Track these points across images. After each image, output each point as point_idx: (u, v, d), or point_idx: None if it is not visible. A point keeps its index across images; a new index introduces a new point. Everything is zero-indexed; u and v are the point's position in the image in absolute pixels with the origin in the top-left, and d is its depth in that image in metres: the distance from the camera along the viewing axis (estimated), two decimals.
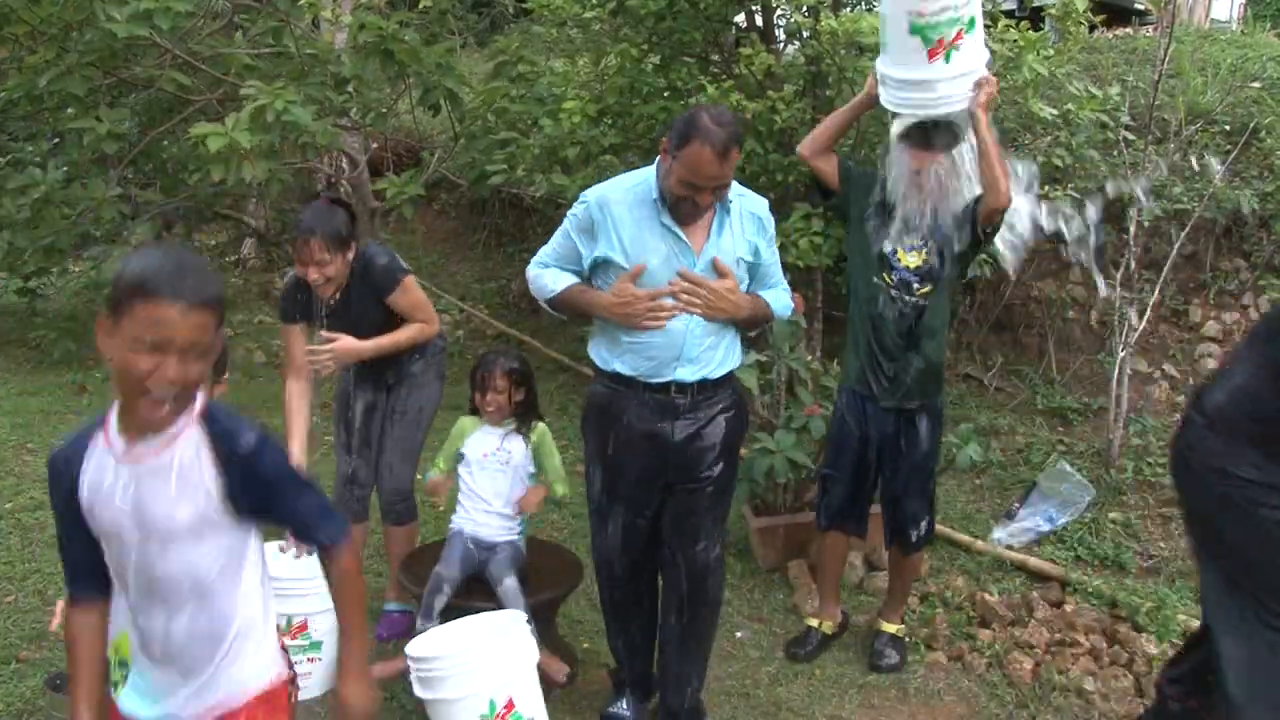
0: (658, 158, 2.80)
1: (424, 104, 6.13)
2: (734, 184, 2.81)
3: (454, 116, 6.40)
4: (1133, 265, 4.78)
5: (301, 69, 5.69)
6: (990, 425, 5.17)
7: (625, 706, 3.16)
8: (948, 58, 3.10)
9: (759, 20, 5.26)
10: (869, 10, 5.26)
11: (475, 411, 3.45)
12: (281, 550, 2.90)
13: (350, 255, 3.34)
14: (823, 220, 4.56)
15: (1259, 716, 2.43)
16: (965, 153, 3.32)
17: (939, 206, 3.29)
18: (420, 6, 6.30)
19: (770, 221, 2.94)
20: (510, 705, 2.75)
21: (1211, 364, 5.09)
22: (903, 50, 3.16)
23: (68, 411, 5.77)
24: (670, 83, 5.15)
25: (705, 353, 2.85)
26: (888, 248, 3.37)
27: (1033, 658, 3.57)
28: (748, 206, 2.88)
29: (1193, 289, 5.38)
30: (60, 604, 2.07)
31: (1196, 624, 3.70)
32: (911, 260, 3.37)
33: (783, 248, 4.12)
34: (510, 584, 3.18)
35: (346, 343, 3.31)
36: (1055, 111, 4.67)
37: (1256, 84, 5.82)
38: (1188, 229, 4.91)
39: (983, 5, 5.39)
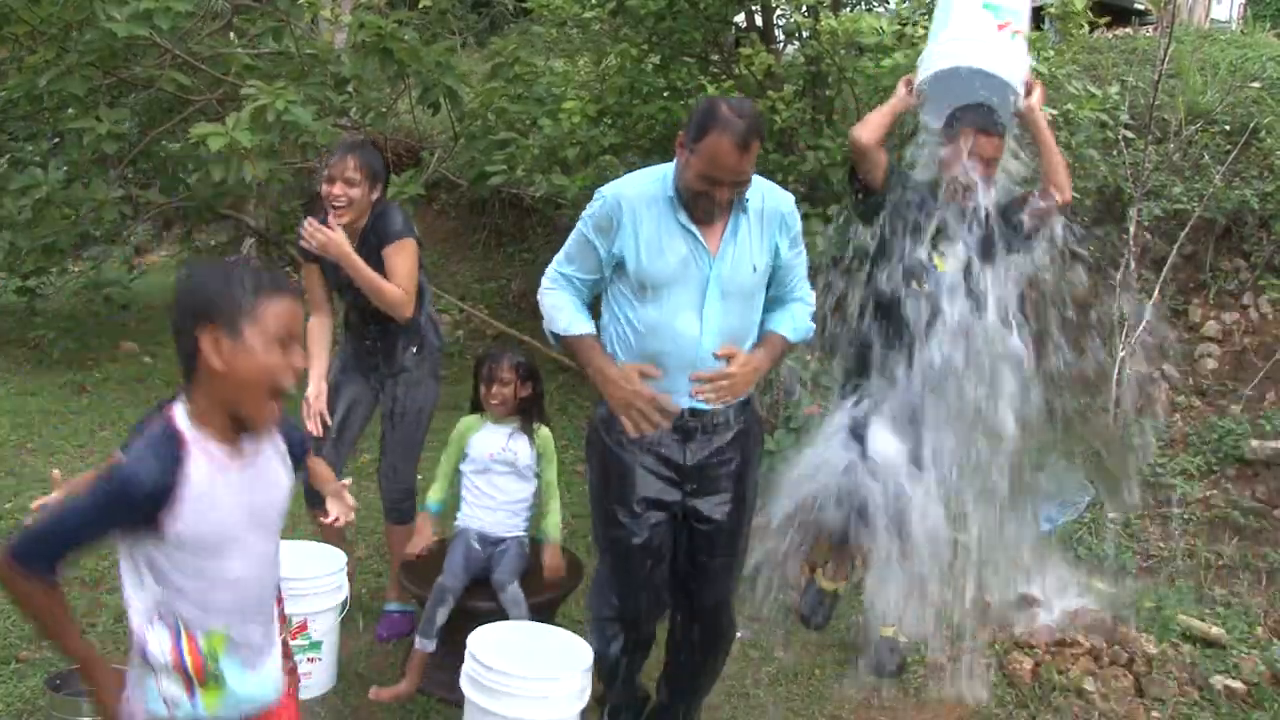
0: (675, 156, 2.62)
1: (424, 102, 6.13)
2: (757, 179, 2.61)
3: (454, 116, 6.40)
4: (1133, 265, 4.78)
5: (301, 69, 5.69)
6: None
7: None
8: (1013, 36, 3.12)
9: (759, 20, 5.26)
10: (869, 10, 5.27)
11: (476, 409, 3.44)
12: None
13: (374, 195, 3.39)
14: (822, 220, 4.56)
15: None
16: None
17: (987, 204, 3.16)
18: (420, 6, 6.30)
19: (795, 219, 2.74)
20: (303, 626, 2.97)
21: (1211, 364, 5.08)
22: (970, 22, 3.15)
23: (67, 412, 5.77)
24: (670, 83, 5.16)
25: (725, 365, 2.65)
26: (923, 253, 3.20)
27: (1033, 658, 3.57)
28: (771, 203, 2.66)
29: (1193, 289, 5.38)
30: None
31: (1196, 624, 3.71)
32: (949, 265, 3.22)
33: None
34: (514, 591, 3.17)
35: (340, 238, 3.28)
36: (1055, 111, 4.67)
37: (1256, 84, 5.82)
38: (1188, 229, 4.91)
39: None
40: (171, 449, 1.73)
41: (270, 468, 1.87)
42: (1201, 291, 5.37)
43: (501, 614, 3.13)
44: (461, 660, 2.78)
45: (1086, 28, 4.93)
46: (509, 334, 7.29)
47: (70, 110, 6.25)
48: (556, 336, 2.75)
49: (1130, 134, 5.09)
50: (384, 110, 6.32)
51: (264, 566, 1.89)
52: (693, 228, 2.57)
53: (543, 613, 3.26)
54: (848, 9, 5.10)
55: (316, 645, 3.22)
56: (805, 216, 4.63)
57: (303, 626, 3.19)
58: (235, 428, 1.78)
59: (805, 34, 4.78)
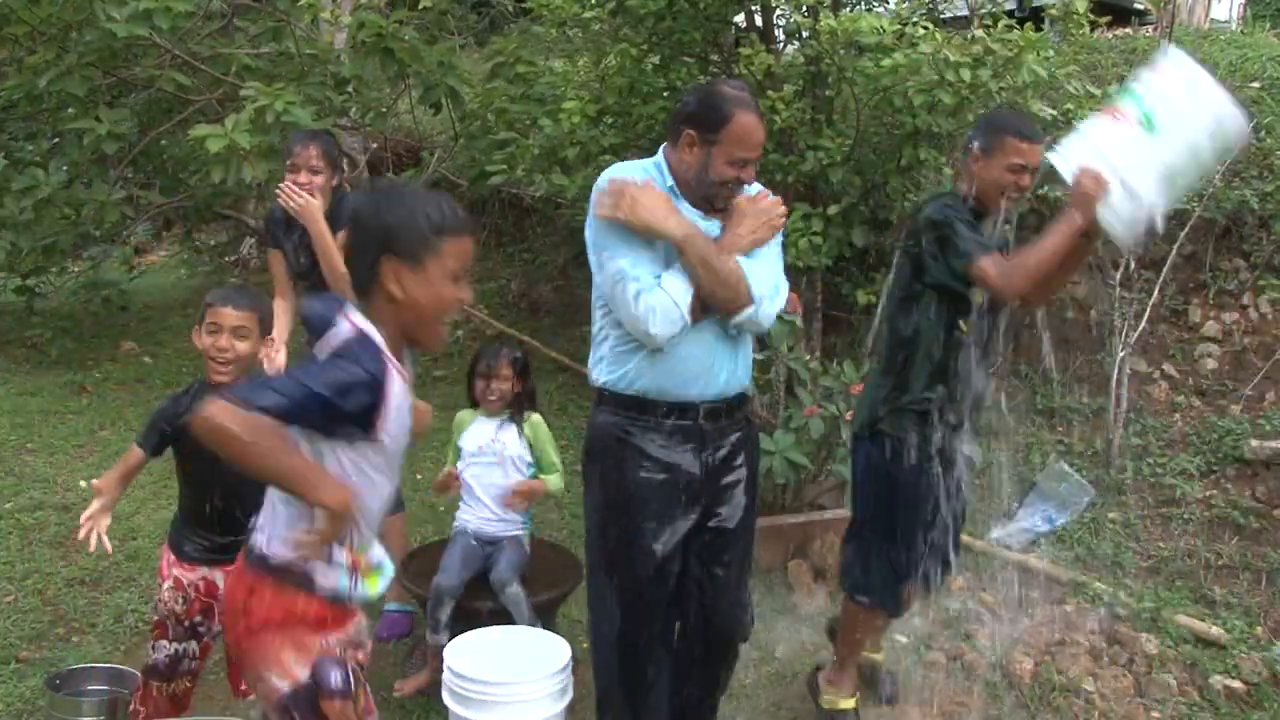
0: (658, 156, 2.56)
1: (425, 103, 6.13)
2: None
3: (454, 116, 6.40)
4: (1132, 265, 4.78)
5: (301, 69, 5.69)
6: (989, 425, 5.16)
7: None
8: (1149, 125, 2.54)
9: (759, 20, 5.26)
10: (869, 10, 5.26)
11: (473, 404, 3.45)
12: None
13: (335, 182, 3.55)
14: (822, 220, 4.57)
15: None
16: None
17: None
18: (420, 6, 6.30)
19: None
20: None
21: (1211, 364, 5.09)
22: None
23: (67, 412, 5.77)
24: (670, 83, 5.15)
25: (733, 362, 2.57)
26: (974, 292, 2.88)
27: (1033, 658, 3.57)
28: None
29: (1192, 289, 5.38)
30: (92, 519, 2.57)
31: (1196, 624, 3.71)
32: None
33: (782, 248, 4.11)
34: (514, 591, 3.17)
35: (316, 205, 3.42)
36: (1055, 111, 4.67)
37: (1256, 84, 5.82)
38: (1187, 229, 4.91)
39: (983, 5, 5.45)
40: (377, 352, 1.81)
41: (410, 392, 1.93)
42: (1201, 291, 5.37)
43: (504, 613, 3.13)
44: None
45: (1087, 28, 4.93)
46: (509, 334, 7.29)
47: (70, 110, 6.25)
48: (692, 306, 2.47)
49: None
50: (384, 110, 6.32)
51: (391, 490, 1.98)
52: (712, 220, 2.51)
53: (543, 612, 3.27)
54: (848, 9, 5.10)
55: None
56: (805, 216, 4.64)
57: None
58: (409, 348, 1.90)
59: (805, 34, 4.78)
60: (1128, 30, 8.09)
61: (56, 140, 6.73)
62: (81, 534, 2.56)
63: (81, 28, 5.69)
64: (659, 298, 2.41)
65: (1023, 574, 4.14)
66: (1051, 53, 4.63)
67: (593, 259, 2.54)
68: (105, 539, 2.59)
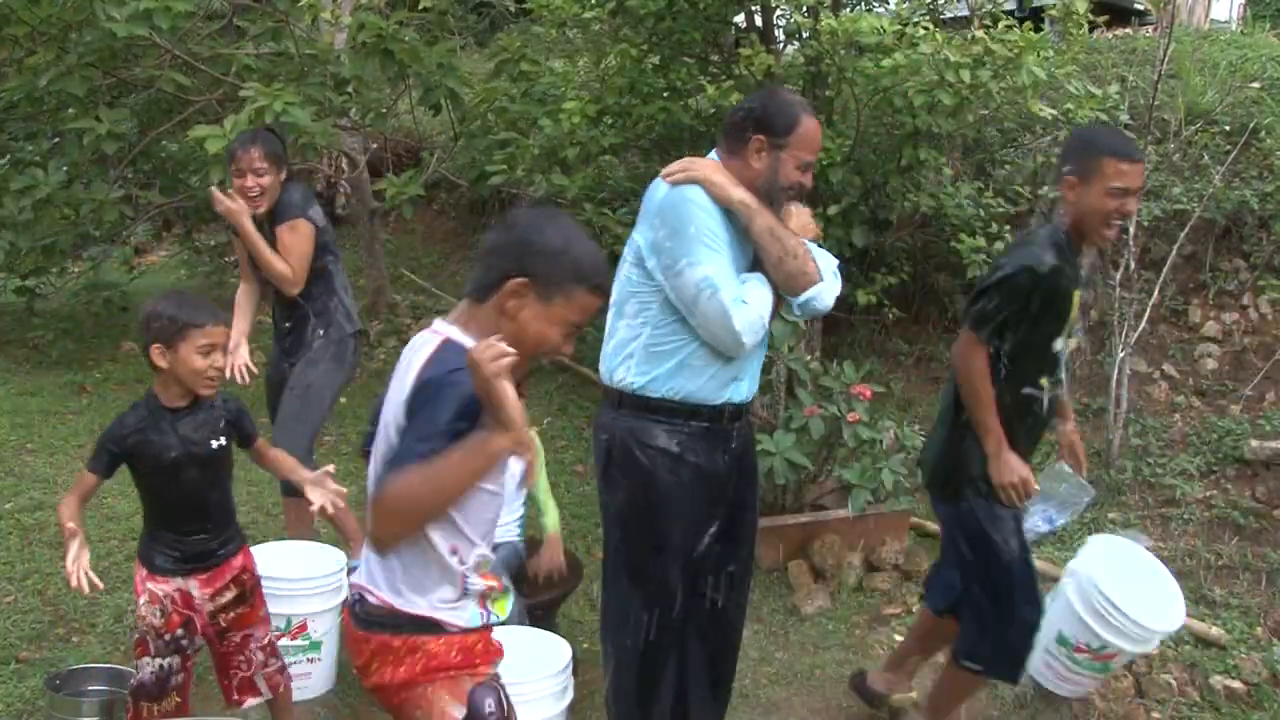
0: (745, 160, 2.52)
1: (425, 103, 6.13)
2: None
3: (454, 116, 6.40)
4: (1132, 265, 4.78)
5: (301, 70, 5.69)
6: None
7: None
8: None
9: (759, 20, 5.26)
10: (869, 10, 5.27)
11: None
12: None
13: (282, 177, 3.61)
14: (822, 220, 4.56)
15: None
16: None
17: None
18: (420, 7, 6.30)
19: None
20: (303, 627, 3.16)
21: (1211, 364, 5.09)
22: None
23: (67, 412, 5.77)
24: (670, 83, 5.15)
25: (756, 367, 2.62)
26: (1058, 344, 2.80)
27: None
28: None
29: (1192, 289, 5.38)
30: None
31: (1196, 624, 3.71)
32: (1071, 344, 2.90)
33: None
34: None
35: (241, 208, 3.49)
36: (1055, 111, 4.68)
37: (1256, 84, 5.82)
38: (1187, 229, 4.92)
39: (982, 6, 5.46)
40: (462, 351, 1.77)
41: None
42: (1201, 292, 5.37)
43: None
44: None
45: (1086, 28, 4.93)
46: None
47: (70, 110, 6.25)
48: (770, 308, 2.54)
49: (1130, 134, 5.09)
50: (384, 111, 6.32)
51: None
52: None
53: (543, 613, 3.27)
54: (848, 9, 5.10)
55: (316, 646, 3.23)
56: None
57: (302, 627, 3.19)
58: None
59: (805, 34, 4.78)
60: (1128, 30, 8.09)
61: (56, 140, 6.72)
62: (74, 582, 2.47)
63: (81, 28, 5.68)
64: (751, 308, 2.46)
65: None
66: (1051, 53, 4.63)
67: (654, 263, 2.50)
68: (94, 577, 2.52)
